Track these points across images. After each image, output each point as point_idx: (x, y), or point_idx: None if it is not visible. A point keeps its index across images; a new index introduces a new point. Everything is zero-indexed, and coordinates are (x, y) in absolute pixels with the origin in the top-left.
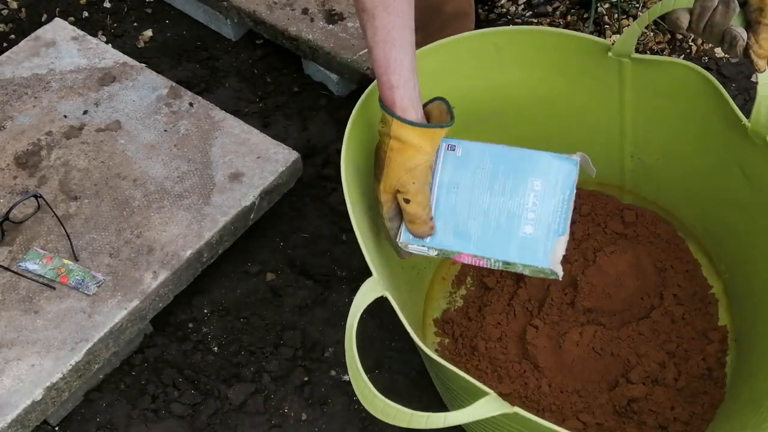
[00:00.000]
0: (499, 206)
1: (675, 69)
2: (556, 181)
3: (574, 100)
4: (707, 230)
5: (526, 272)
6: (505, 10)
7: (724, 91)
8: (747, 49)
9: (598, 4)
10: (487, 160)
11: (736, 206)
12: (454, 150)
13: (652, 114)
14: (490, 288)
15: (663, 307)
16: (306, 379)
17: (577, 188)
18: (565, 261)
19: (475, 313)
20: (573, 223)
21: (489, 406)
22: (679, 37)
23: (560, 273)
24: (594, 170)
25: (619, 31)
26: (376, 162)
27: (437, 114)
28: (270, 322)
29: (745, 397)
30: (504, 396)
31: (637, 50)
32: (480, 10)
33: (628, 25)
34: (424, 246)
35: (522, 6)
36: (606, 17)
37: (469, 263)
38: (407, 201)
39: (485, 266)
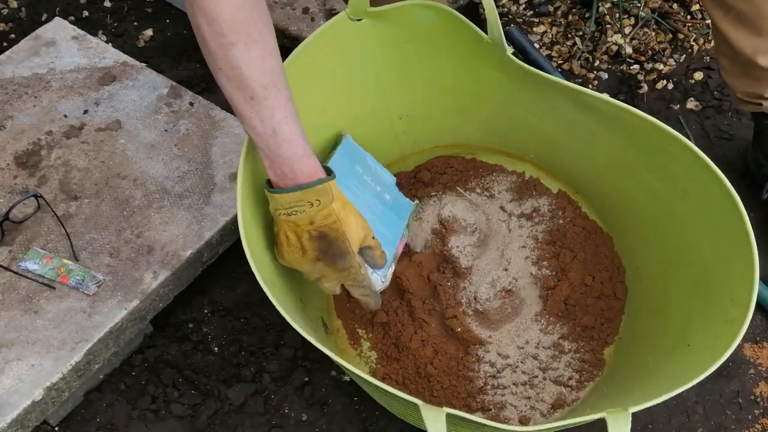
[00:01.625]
0: (368, 199)
1: (410, 11)
2: (356, 159)
3: (346, 94)
4: (496, 135)
5: (410, 221)
6: (506, 9)
7: (459, 14)
8: None
9: (600, 4)
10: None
11: (508, 103)
12: None
13: (404, 64)
14: (387, 323)
15: (508, 215)
16: (306, 379)
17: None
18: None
19: (396, 352)
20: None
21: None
22: (681, 36)
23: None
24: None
25: (620, 31)
26: (328, 248)
27: None
28: (270, 322)
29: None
30: (479, 390)
31: (637, 50)
32: (481, 10)
33: (630, 24)
34: (390, 268)
35: (523, 5)
36: (607, 16)
37: (400, 251)
38: (374, 238)
39: (404, 245)
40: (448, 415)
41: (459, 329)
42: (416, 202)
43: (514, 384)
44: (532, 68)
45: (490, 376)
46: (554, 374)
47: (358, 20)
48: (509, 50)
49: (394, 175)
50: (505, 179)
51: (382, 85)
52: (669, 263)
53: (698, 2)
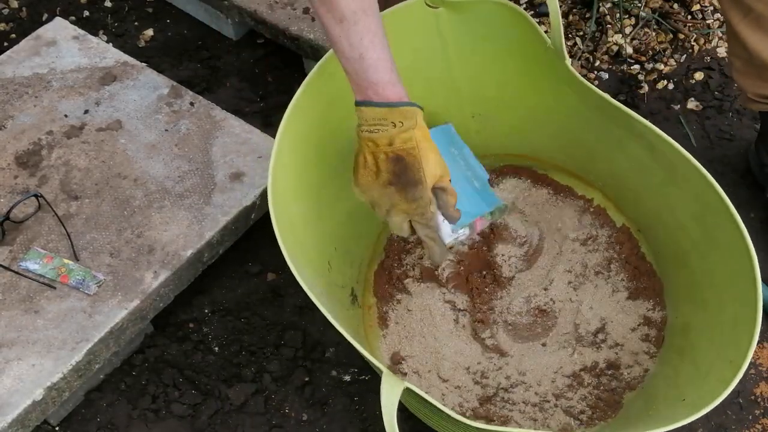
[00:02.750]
0: (455, 175)
1: (486, 7)
2: (453, 143)
3: (415, 79)
4: (569, 156)
5: (496, 216)
6: None
7: (531, 19)
8: None
9: (600, 4)
10: None
11: (578, 124)
12: None
13: (478, 61)
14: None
15: (563, 236)
16: (307, 379)
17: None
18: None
19: (420, 341)
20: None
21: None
22: (681, 37)
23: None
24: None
25: (621, 31)
26: (402, 173)
27: None
28: (271, 322)
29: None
30: (488, 399)
31: (638, 50)
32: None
33: (631, 24)
34: (462, 229)
35: (524, 6)
36: (608, 17)
37: (479, 229)
38: (450, 180)
39: (485, 226)
40: (408, 390)
41: (483, 335)
42: (506, 204)
43: (524, 402)
44: (590, 85)
45: (502, 388)
46: (566, 404)
47: (435, 7)
48: (569, 60)
49: None
50: (571, 202)
51: (454, 77)
52: (707, 325)
53: (700, 2)
